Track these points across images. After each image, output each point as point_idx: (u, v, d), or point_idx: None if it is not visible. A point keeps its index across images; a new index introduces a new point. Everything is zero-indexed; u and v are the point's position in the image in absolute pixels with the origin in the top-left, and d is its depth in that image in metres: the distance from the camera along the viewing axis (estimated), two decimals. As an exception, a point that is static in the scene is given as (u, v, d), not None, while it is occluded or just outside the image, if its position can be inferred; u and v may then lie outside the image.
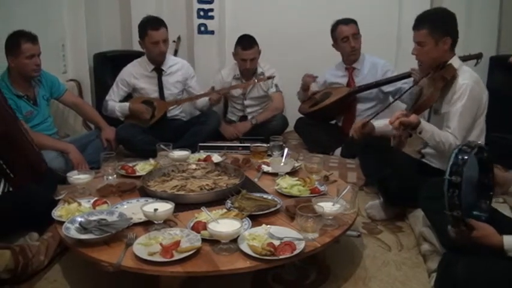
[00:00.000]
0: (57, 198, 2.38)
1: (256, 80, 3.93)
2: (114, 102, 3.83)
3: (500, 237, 1.73)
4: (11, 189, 2.29)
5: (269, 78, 3.88)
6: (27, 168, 2.38)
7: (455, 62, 2.58)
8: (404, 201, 2.65)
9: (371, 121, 2.78)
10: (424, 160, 2.75)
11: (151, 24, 3.68)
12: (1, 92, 2.41)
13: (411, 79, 3.19)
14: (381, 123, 2.77)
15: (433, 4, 4.23)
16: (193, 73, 4.03)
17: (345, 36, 3.69)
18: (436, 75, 2.55)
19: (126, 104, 3.78)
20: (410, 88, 2.91)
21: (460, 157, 1.73)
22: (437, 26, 2.53)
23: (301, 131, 3.97)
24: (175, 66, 3.93)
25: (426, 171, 2.64)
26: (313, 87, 3.90)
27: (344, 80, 3.82)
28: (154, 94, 3.85)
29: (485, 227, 1.76)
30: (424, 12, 2.62)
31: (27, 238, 2.23)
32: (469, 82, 2.47)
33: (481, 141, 2.59)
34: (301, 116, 3.99)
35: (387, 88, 3.68)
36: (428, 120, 2.74)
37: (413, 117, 2.42)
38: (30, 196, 2.26)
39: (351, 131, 2.81)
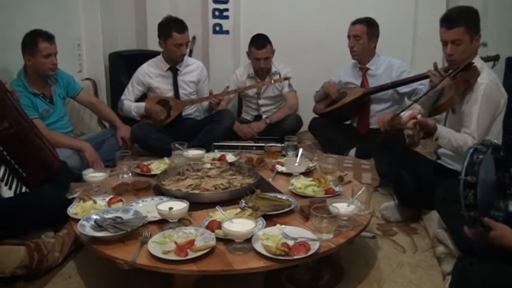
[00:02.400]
0: (70, 197, 2.39)
1: (272, 81, 3.93)
2: (130, 102, 3.85)
3: None
4: (24, 188, 2.31)
5: (286, 79, 3.88)
6: (39, 167, 2.40)
7: (478, 61, 2.54)
8: (419, 202, 2.64)
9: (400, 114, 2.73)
10: (439, 161, 2.73)
11: (176, 27, 3.68)
12: (13, 93, 2.44)
13: (427, 80, 3.16)
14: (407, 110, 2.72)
15: (449, 4, 4.20)
16: (206, 76, 4.05)
17: (348, 35, 3.70)
18: (459, 77, 2.49)
19: (142, 104, 3.79)
20: (428, 91, 2.84)
21: (475, 156, 1.71)
22: (472, 23, 2.49)
23: (316, 131, 3.97)
24: (191, 66, 3.94)
25: (442, 172, 2.62)
26: None
27: (358, 80, 3.80)
28: (169, 93, 3.87)
29: (503, 228, 1.73)
30: (454, 10, 2.56)
31: (43, 236, 2.24)
32: (487, 82, 2.43)
33: (499, 142, 2.55)
34: (316, 116, 3.98)
35: (403, 89, 3.65)
36: (445, 118, 2.71)
37: (430, 121, 2.39)
38: (42, 197, 2.28)
39: (379, 124, 2.70)
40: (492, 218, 1.76)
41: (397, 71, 3.67)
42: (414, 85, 3.56)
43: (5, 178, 2.25)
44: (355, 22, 3.67)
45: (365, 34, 3.63)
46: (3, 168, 2.26)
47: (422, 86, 3.43)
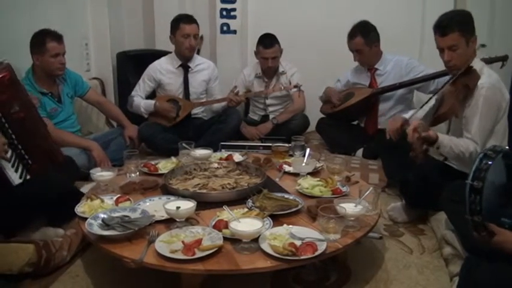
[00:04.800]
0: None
1: (282, 87, 3.92)
2: (140, 98, 3.85)
3: None
4: (27, 175, 2.32)
5: (295, 87, 3.85)
6: (45, 157, 2.40)
7: (477, 64, 2.51)
8: (427, 203, 2.63)
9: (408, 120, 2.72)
10: (447, 162, 2.71)
11: (184, 19, 3.77)
12: (22, 84, 2.47)
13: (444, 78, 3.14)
14: (415, 116, 2.71)
15: (457, 3, 4.18)
16: (217, 75, 4.05)
17: (350, 50, 3.69)
18: (459, 83, 2.46)
19: (152, 102, 3.79)
20: (445, 84, 2.76)
21: (484, 162, 1.71)
22: (466, 26, 2.47)
23: (323, 132, 3.96)
24: (202, 65, 3.95)
25: (449, 173, 2.60)
26: (337, 87, 3.91)
27: (366, 81, 3.78)
28: (179, 90, 3.88)
29: (506, 233, 1.73)
30: (445, 16, 2.52)
31: (51, 233, 2.26)
32: (488, 85, 2.40)
33: (504, 146, 2.53)
34: (323, 116, 3.97)
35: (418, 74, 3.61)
36: (449, 123, 2.69)
37: (432, 132, 2.37)
38: (47, 182, 2.29)
39: (387, 134, 2.71)
40: (499, 224, 1.76)
41: (406, 69, 3.63)
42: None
43: (11, 162, 2.26)
44: (351, 36, 3.63)
45: (364, 45, 3.60)
46: (9, 153, 2.26)
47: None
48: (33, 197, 2.18)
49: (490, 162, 1.70)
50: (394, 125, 2.67)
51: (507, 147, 2.01)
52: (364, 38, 3.60)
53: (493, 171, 1.71)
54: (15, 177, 2.24)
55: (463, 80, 2.46)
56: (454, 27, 2.45)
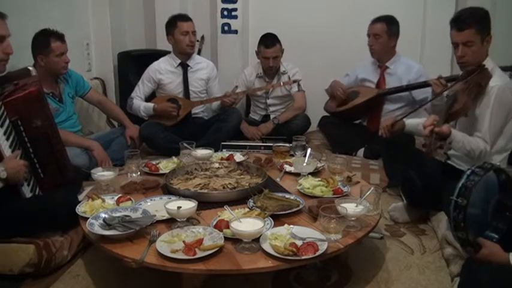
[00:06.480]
0: (79, 196, 2.41)
1: (282, 83, 3.93)
2: (139, 101, 3.85)
3: (506, 254, 1.73)
4: (37, 189, 2.32)
5: (295, 81, 3.86)
6: (57, 171, 2.40)
7: (488, 63, 2.51)
8: (428, 203, 2.63)
9: (403, 119, 2.78)
10: (449, 162, 2.71)
11: (180, 17, 3.79)
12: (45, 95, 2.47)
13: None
14: (412, 122, 2.75)
15: (458, 6, 4.17)
16: (216, 75, 4.06)
17: (367, 34, 3.66)
18: (471, 81, 2.46)
19: (151, 105, 3.79)
20: (433, 98, 2.85)
21: (471, 178, 1.73)
22: (483, 24, 2.47)
23: (325, 130, 3.95)
24: (201, 64, 3.96)
25: (451, 173, 2.60)
26: (345, 81, 3.90)
27: (375, 78, 3.74)
28: (179, 90, 3.88)
29: (492, 245, 1.76)
30: (464, 11, 2.54)
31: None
32: (500, 85, 2.41)
33: (509, 147, 2.54)
34: (326, 114, 3.97)
35: (419, 96, 3.60)
36: (455, 122, 2.69)
37: (445, 128, 2.37)
38: (57, 202, 2.26)
39: (380, 130, 2.85)
40: (486, 238, 1.77)
41: (416, 75, 3.59)
42: (428, 94, 3.52)
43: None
44: (375, 21, 3.62)
45: (385, 33, 3.58)
46: None
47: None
48: (42, 213, 2.16)
49: (477, 179, 1.72)
50: (386, 122, 2.83)
51: (498, 164, 2.03)
52: (387, 25, 3.58)
53: (480, 187, 1.72)
54: (26, 190, 2.23)
55: (475, 78, 2.46)
56: (471, 23, 2.45)
